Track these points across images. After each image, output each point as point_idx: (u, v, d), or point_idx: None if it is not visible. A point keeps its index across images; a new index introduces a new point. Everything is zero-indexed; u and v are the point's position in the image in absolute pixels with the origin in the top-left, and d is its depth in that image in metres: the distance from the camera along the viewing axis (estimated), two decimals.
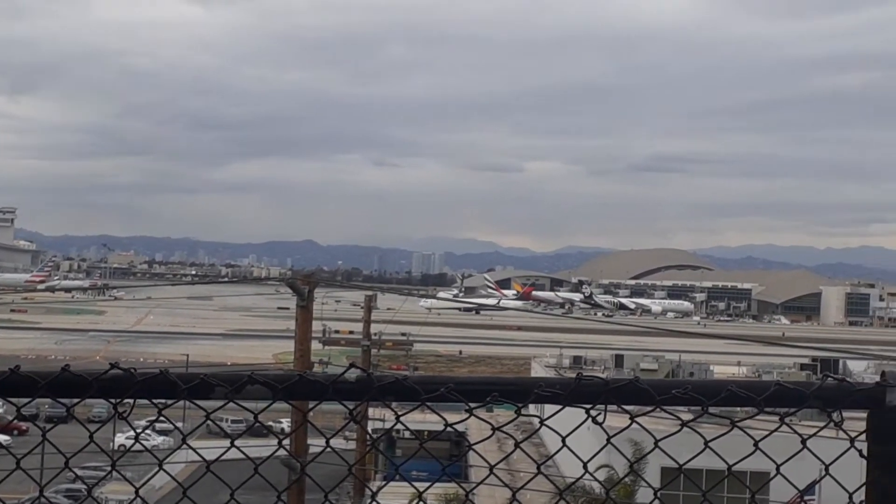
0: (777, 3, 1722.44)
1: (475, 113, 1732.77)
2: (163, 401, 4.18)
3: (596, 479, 4.85)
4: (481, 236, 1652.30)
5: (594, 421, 4.12)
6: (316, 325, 39.02)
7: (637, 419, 4.44)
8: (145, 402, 4.19)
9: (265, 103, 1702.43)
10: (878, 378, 4.19)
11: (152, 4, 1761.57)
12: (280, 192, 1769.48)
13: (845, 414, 4.21)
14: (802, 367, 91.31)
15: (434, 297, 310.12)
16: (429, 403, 4.09)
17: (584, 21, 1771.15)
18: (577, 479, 5.08)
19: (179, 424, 6.65)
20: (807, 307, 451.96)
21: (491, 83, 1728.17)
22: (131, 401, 4.14)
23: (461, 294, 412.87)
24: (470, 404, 4.12)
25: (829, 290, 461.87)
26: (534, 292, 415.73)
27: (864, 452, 4.19)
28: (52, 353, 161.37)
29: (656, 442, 4.53)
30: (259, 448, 6.45)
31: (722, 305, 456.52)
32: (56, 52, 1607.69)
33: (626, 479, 31.79)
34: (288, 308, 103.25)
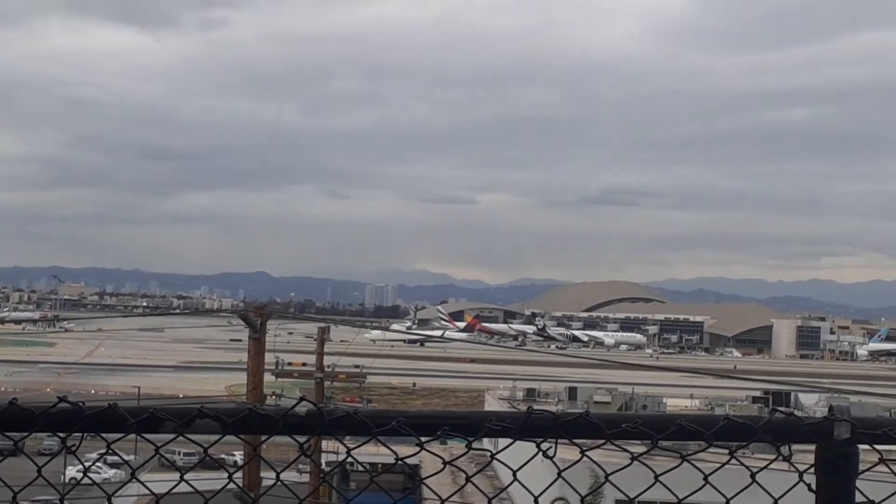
0: (728, 37, 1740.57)
1: (426, 145, 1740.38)
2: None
3: None
4: (434, 268, 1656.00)
5: (545, 455, 4.13)
6: (269, 357, 38.85)
7: (587, 453, 4.45)
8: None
9: (215, 134, 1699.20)
10: (827, 411, 4.22)
11: (100, 34, 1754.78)
12: (232, 224, 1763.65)
13: (798, 447, 4.24)
14: (754, 399, 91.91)
15: (380, 328, 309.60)
16: (380, 437, 4.08)
17: (533, 53, 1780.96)
18: None
19: (131, 458, 6.62)
20: (758, 340, 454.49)
21: (441, 116, 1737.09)
22: (80, 434, 4.11)
23: (414, 326, 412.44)
24: (421, 438, 4.11)
25: (780, 324, 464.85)
26: (486, 325, 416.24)
27: (813, 486, 4.21)
28: (2, 384, 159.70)
29: (607, 476, 4.54)
30: (211, 481, 6.40)
31: (674, 338, 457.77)
32: (3, 81, 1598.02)
33: None
34: (240, 340, 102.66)
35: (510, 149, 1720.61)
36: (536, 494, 4.70)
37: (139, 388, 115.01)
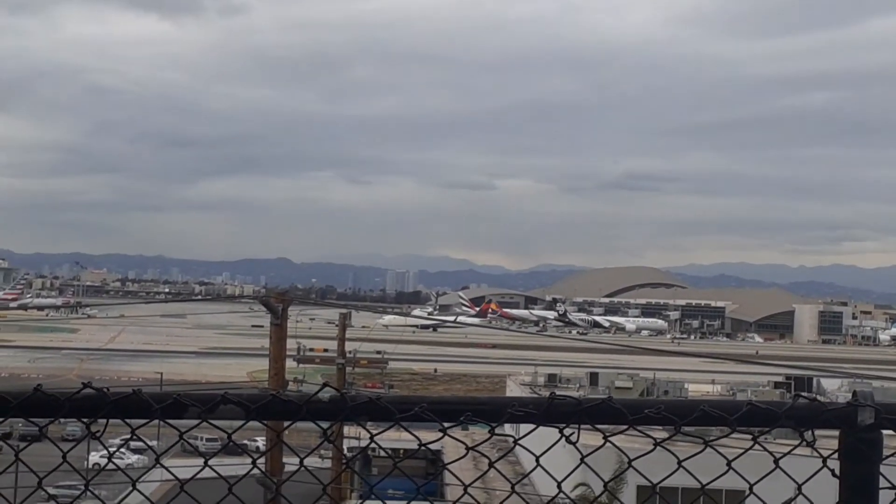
0: (750, 22, 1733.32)
1: (446, 131, 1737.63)
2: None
3: (570, 499, 4.85)
4: (455, 254, 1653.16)
5: (568, 440, 4.12)
6: (290, 343, 38.92)
7: (610, 438, 4.44)
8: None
9: (236, 121, 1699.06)
10: (850, 396, 4.20)
11: (121, 21, 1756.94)
12: (253, 210, 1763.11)
13: (821, 433, 4.22)
14: (776, 385, 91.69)
15: (400, 314, 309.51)
16: (403, 423, 4.08)
17: (553, 39, 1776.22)
18: (553, 499, 5.08)
19: (154, 443, 6.64)
20: (780, 325, 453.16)
21: (461, 102, 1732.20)
22: (104, 420, 4.12)
23: (436, 312, 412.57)
24: (444, 424, 4.11)
25: (802, 309, 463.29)
26: (507, 310, 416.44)
27: (837, 472, 4.20)
28: (26, 371, 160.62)
29: (630, 461, 4.54)
30: (234, 467, 6.43)
31: (696, 324, 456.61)
32: (25, 70, 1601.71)
33: (602, 498, 31.74)
34: (262, 326, 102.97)
35: (530, 135, 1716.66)
36: (559, 480, 4.70)
37: (161, 374, 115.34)
